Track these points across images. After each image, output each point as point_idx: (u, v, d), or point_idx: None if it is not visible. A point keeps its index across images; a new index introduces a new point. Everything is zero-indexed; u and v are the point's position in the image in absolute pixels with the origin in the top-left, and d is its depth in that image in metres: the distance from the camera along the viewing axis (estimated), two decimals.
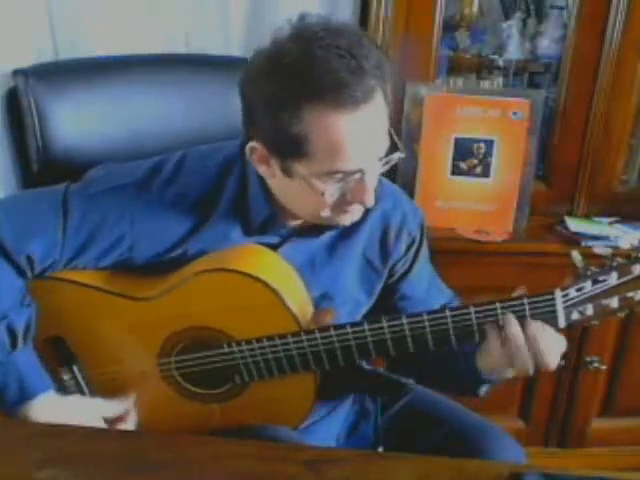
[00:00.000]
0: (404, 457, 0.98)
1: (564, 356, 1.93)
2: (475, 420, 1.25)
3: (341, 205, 1.07)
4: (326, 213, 1.08)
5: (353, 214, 1.10)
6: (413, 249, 1.24)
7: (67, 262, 1.13)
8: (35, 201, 1.15)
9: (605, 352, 1.94)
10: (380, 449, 1.28)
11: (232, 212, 1.13)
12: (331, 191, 1.03)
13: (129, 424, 1.16)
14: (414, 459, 0.97)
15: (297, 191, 1.06)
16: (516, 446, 1.20)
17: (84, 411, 1.12)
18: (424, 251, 1.27)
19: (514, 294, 1.06)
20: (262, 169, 1.08)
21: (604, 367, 1.94)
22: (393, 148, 1.07)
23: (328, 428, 1.27)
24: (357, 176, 1.02)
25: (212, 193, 1.13)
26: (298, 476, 0.91)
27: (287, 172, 1.04)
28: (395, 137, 1.07)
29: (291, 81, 0.97)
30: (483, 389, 1.18)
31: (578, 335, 1.90)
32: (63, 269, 1.13)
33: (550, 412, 2.01)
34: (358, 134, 0.99)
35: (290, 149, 1.01)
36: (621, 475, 1.06)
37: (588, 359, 1.92)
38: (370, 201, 1.06)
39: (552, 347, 1.05)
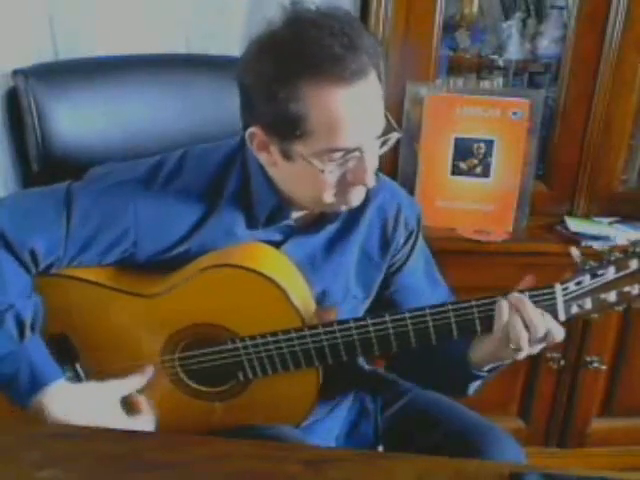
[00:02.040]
0: (404, 457, 0.98)
1: (564, 356, 1.95)
2: (475, 420, 1.25)
3: (343, 187, 1.07)
4: (329, 197, 1.08)
5: (356, 196, 1.10)
6: (411, 242, 1.25)
7: (71, 258, 1.13)
8: (39, 198, 1.15)
9: (605, 352, 1.94)
10: (380, 448, 1.28)
11: (235, 206, 1.14)
12: (331, 168, 1.03)
13: (147, 419, 1.15)
14: (414, 459, 0.97)
15: (299, 175, 1.07)
16: (516, 446, 1.20)
17: (100, 396, 1.11)
18: (420, 243, 1.28)
19: (521, 283, 1.07)
20: (262, 157, 1.09)
21: (604, 367, 1.94)
22: (390, 130, 1.07)
23: (328, 427, 1.27)
24: (356, 154, 1.03)
25: (214, 187, 1.13)
26: (298, 476, 0.91)
27: (287, 155, 1.05)
28: (391, 119, 1.08)
29: (286, 58, 0.98)
30: (472, 387, 1.18)
31: (578, 335, 1.90)
32: (67, 266, 1.13)
33: (550, 412, 2.01)
34: (355, 110, 1.00)
35: (289, 129, 1.01)
36: (621, 475, 1.06)
37: (588, 359, 1.92)
38: (370, 181, 1.07)
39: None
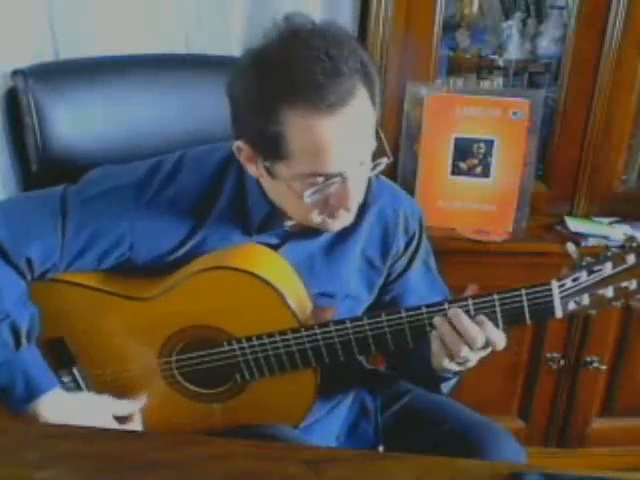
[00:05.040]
0: (404, 457, 0.98)
1: (564, 356, 1.95)
2: (475, 419, 1.25)
3: (326, 209, 1.06)
4: (315, 217, 1.07)
5: (341, 220, 1.09)
6: (412, 247, 1.24)
7: (68, 265, 1.13)
8: (34, 204, 1.14)
9: (605, 352, 1.94)
10: (380, 448, 1.28)
11: (231, 212, 1.13)
12: (311, 192, 1.02)
13: (136, 424, 1.16)
14: (414, 459, 0.97)
15: (283, 193, 1.06)
16: (516, 446, 1.20)
17: (95, 409, 1.12)
18: (423, 248, 1.27)
19: (465, 294, 1.06)
20: (251, 169, 1.08)
21: (604, 367, 1.94)
22: (382, 152, 1.06)
23: (328, 427, 1.27)
24: (337, 179, 1.01)
25: (210, 193, 1.13)
26: (298, 476, 0.91)
27: (271, 173, 1.04)
28: (384, 141, 1.06)
29: (268, 81, 0.97)
30: (445, 386, 1.21)
31: (578, 335, 1.90)
32: (64, 271, 1.13)
33: (550, 412, 2.01)
34: (336, 137, 0.97)
35: (271, 149, 1.00)
36: (621, 475, 1.06)
37: (588, 359, 1.92)
38: (352, 207, 1.05)
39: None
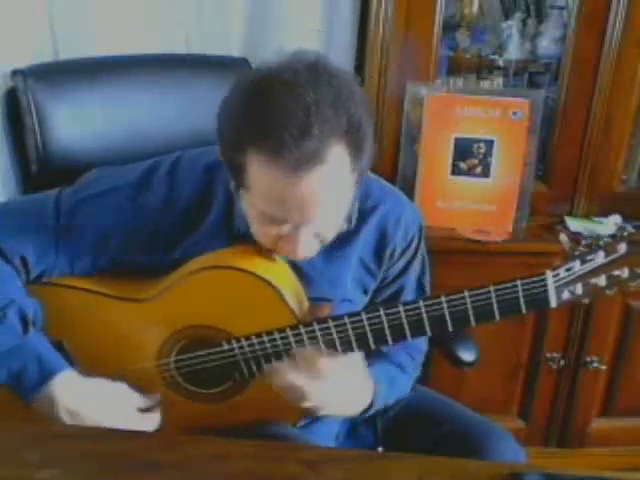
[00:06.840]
0: (404, 457, 0.98)
1: (564, 356, 1.95)
2: (475, 420, 1.25)
3: (275, 245, 1.05)
4: (267, 245, 1.07)
5: (292, 257, 1.07)
6: (409, 253, 1.23)
7: (63, 266, 1.13)
8: (30, 207, 1.15)
9: (605, 352, 1.94)
10: (380, 449, 1.28)
11: (223, 219, 1.13)
12: (263, 228, 1.03)
13: (155, 419, 1.15)
14: (414, 459, 0.97)
15: (245, 211, 1.07)
16: (516, 446, 1.20)
17: (111, 391, 1.11)
18: (419, 256, 1.26)
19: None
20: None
21: (604, 367, 1.94)
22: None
23: (328, 426, 1.27)
24: (289, 226, 1.01)
25: (202, 198, 1.13)
26: (298, 476, 0.91)
27: (236, 190, 1.05)
28: (354, 208, 1.07)
29: (246, 118, 0.96)
30: None
31: (578, 335, 1.90)
32: (60, 274, 1.14)
33: (550, 412, 2.01)
34: (291, 194, 0.95)
35: (235, 174, 1.01)
36: (621, 475, 1.06)
37: (588, 359, 1.92)
38: (297, 255, 1.04)
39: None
